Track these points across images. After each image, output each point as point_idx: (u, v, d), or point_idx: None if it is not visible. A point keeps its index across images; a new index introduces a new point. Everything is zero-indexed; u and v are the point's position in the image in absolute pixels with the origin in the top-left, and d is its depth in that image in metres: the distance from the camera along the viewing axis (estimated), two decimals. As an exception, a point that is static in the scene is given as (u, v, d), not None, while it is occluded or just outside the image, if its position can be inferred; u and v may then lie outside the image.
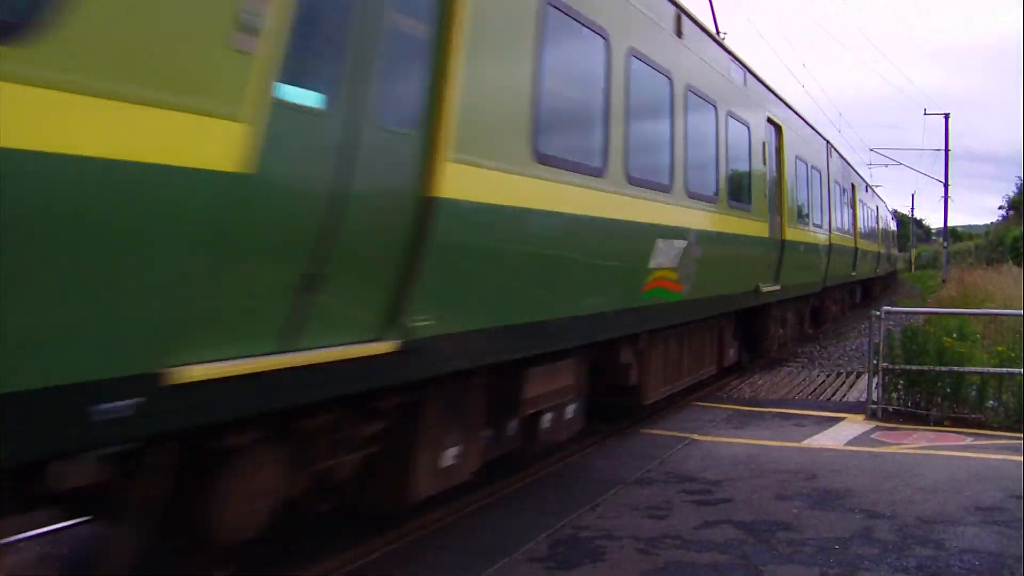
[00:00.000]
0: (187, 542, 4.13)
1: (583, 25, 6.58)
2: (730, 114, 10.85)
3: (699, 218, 9.45)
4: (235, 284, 3.57)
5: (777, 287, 13.34)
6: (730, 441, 9.15)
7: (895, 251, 38.87)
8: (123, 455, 3.48)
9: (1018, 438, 9.11)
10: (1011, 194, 64.04)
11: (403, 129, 4.56)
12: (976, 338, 11.16)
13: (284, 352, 3.83)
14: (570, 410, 7.34)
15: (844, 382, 13.89)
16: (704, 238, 9.52)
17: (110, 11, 2.89)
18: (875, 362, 10.73)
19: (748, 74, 12.20)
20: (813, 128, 17.77)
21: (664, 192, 8.32)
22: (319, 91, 4.02)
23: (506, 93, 5.54)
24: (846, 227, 22.10)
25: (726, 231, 10.58)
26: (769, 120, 13.27)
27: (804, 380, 14.04)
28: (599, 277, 7.16)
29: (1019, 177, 66.50)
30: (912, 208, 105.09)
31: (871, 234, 28.90)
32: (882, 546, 5.81)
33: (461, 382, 5.64)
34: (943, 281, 40.47)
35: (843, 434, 9.63)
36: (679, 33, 8.94)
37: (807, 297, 18.08)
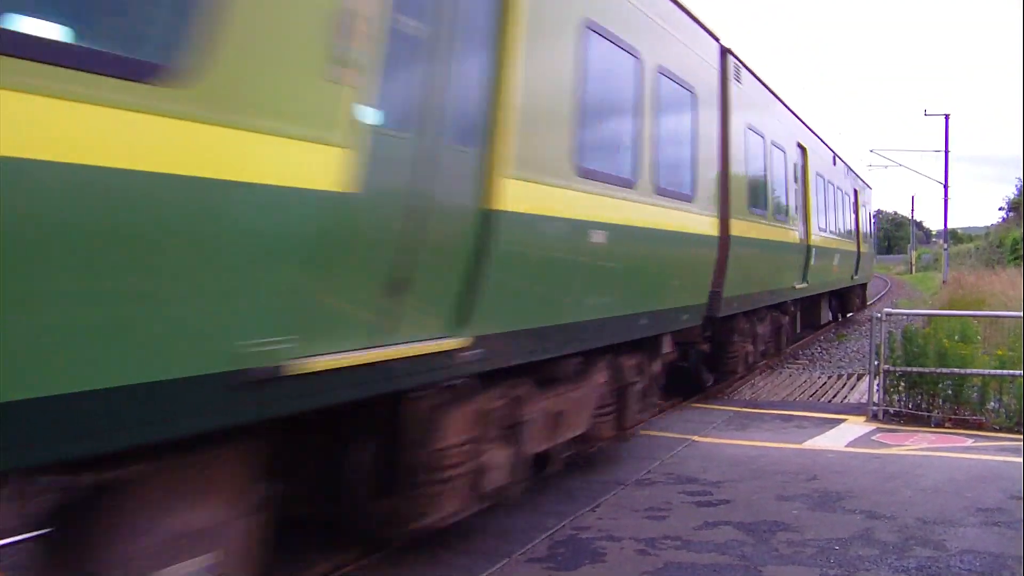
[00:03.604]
0: None
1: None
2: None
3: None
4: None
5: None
6: (730, 443, 9.15)
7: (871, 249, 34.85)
8: None
9: (1018, 440, 9.11)
10: (1011, 196, 64.11)
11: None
12: (977, 340, 11.16)
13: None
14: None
15: (845, 384, 13.90)
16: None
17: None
18: (876, 364, 10.73)
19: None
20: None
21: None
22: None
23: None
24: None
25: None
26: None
27: (805, 382, 14.05)
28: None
29: (1019, 179, 66.58)
30: (912, 210, 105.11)
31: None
32: (882, 547, 5.80)
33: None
34: (943, 283, 40.47)
35: (844, 436, 9.63)
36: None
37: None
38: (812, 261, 15.86)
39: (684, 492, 7.15)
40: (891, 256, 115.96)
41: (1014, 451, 8.55)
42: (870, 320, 11.39)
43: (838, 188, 20.59)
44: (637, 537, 5.97)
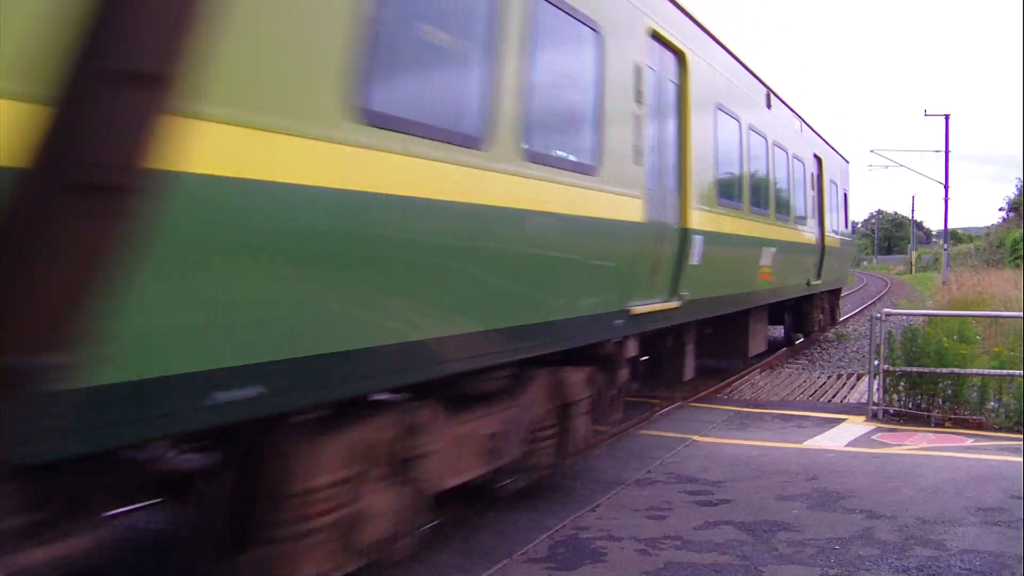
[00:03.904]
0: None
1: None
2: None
3: None
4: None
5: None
6: (731, 442, 9.15)
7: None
8: None
9: (1018, 439, 9.11)
10: (1012, 196, 64.15)
11: None
12: (976, 340, 11.16)
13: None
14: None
15: (845, 384, 13.90)
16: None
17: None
18: (876, 364, 10.74)
19: None
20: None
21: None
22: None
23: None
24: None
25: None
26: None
27: (805, 382, 14.05)
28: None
29: (1019, 179, 66.65)
30: (912, 210, 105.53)
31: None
32: (883, 546, 5.81)
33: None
34: (944, 283, 40.50)
35: (844, 435, 9.64)
36: None
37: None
38: (694, 259, 8.77)
39: (684, 492, 7.16)
40: (891, 256, 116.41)
41: (1014, 451, 8.56)
42: (870, 320, 11.38)
43: (778, 146, 13.47)
44: (638, 537, 5.97)
